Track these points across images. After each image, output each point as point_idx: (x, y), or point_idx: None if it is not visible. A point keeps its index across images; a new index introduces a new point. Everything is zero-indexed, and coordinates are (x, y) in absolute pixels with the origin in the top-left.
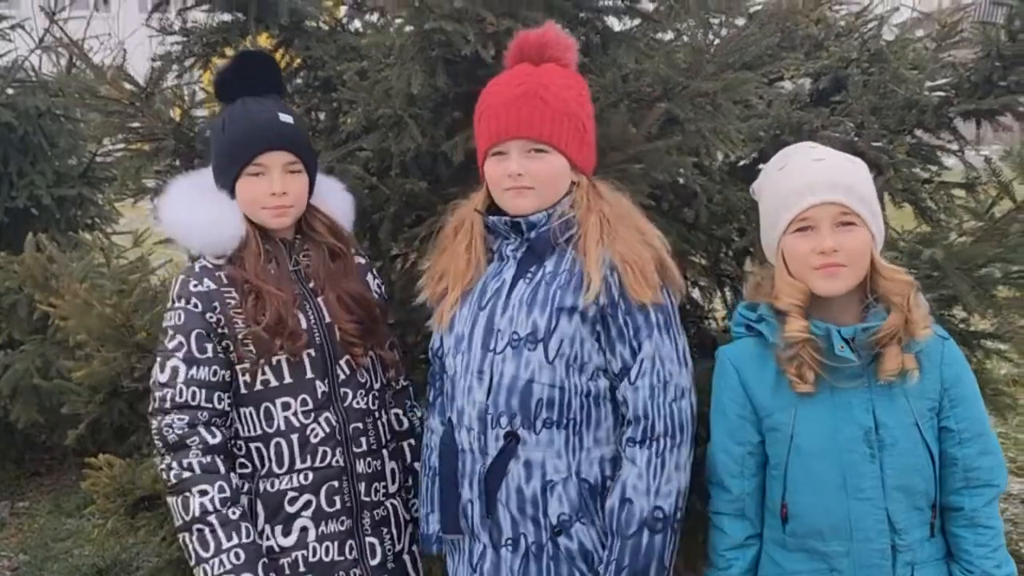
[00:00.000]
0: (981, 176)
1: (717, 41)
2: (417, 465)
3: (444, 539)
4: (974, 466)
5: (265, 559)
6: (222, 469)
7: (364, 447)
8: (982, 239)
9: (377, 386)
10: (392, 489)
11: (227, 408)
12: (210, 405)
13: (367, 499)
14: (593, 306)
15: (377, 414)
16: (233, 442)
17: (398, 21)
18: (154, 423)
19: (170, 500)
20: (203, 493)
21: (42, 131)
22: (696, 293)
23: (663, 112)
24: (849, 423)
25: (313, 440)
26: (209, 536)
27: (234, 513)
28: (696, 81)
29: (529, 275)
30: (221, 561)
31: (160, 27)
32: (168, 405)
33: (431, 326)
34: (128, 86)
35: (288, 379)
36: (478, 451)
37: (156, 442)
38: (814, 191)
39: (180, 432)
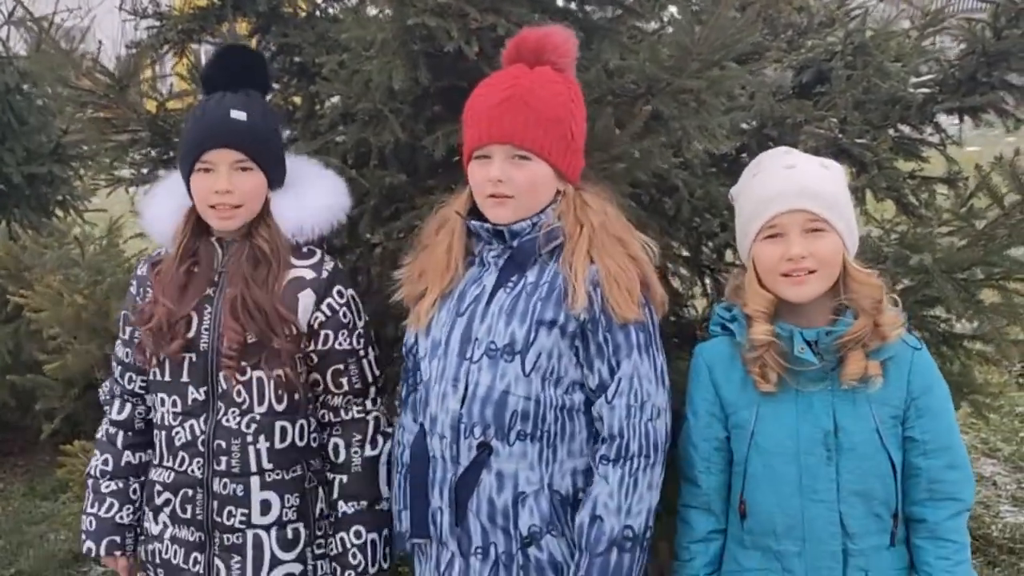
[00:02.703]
0: (962, 171)
1: (700, 30)
2: (343, 504)
3: (412, 543)
4: (939, 479)
5: (116, 538)
6: (118, 444)
7: (224, 467)
8: (969, 244)
9: (260, 410)
10: (260, 520)
11: (138, 389)
12: (122, 383)
13: (218, 519)
14: (573, 321)
15: (250, 438)
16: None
17: (376, 13)
18: None
19: None
20: (95, 456)
21: (11, 108)
22: (676, 283)
23: (648, 112)
24: (809, 425)
25: (176, 443)
26: (86, 495)
27: (106, 487)
28: (681, 79)
29: (510, 284)
30: (84, 520)
31: (133, 10)
32: (110, 369)
33: (406, 324)
34: (102, 77)
35: (167, 377)
36: (449, 459)
37: None
38: (782, 199)
39: (104, 398)
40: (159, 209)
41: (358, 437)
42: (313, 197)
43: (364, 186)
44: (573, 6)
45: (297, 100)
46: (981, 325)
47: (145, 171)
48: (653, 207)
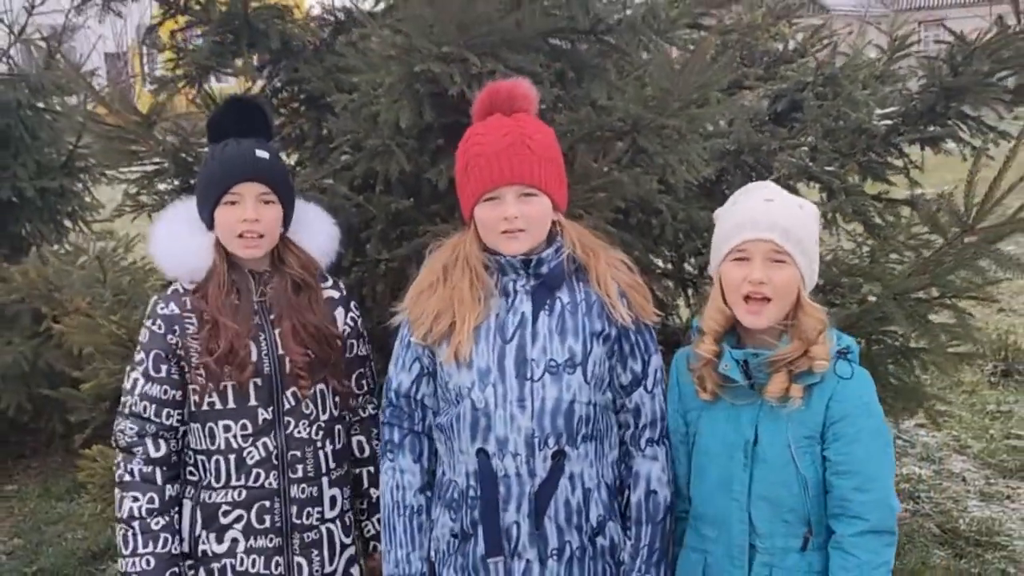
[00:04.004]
0: (926, 194)
1: (680, 72)
2: (374, 491)
3: (476, 565)
4: (847, 498)
5: (176, 569)
6: (158, 480)
7: (300, 473)
8: (916, 272)
9: (324, 417)
10: (330, 514)
11: (175, 424)
12: (158, 420)
13: (298, 521)
14: (614, 328)
15: (320, 444)
16: (185, 452)
17: (384, 55)
18: (116, 423)
19: (115, 492)
20: (135, 499)
21: (23, 124)
22: (660, 294)
23: (626, 149)
24: (735, 433)
25: (249, 462)
26: (131, 537)
27: (156, 524)
28: (663, 117)
29: (547, 307)
30: (135, 562)
31: (151, 43)
32: (126, 411)
33: (429, 365)
34: (131, 116)
35: (232, 404)
36: (526, 474)
37: (112, 440)
38: (754, 227)
39: (130, 439)
40: (183, 243)
41: (375, 431)
42: (318, 227)
43: (371, 212)
44: (565, 46)
45: (305, 127)
46: (931, 342)
47: (168, 199)
48: (639, 228)
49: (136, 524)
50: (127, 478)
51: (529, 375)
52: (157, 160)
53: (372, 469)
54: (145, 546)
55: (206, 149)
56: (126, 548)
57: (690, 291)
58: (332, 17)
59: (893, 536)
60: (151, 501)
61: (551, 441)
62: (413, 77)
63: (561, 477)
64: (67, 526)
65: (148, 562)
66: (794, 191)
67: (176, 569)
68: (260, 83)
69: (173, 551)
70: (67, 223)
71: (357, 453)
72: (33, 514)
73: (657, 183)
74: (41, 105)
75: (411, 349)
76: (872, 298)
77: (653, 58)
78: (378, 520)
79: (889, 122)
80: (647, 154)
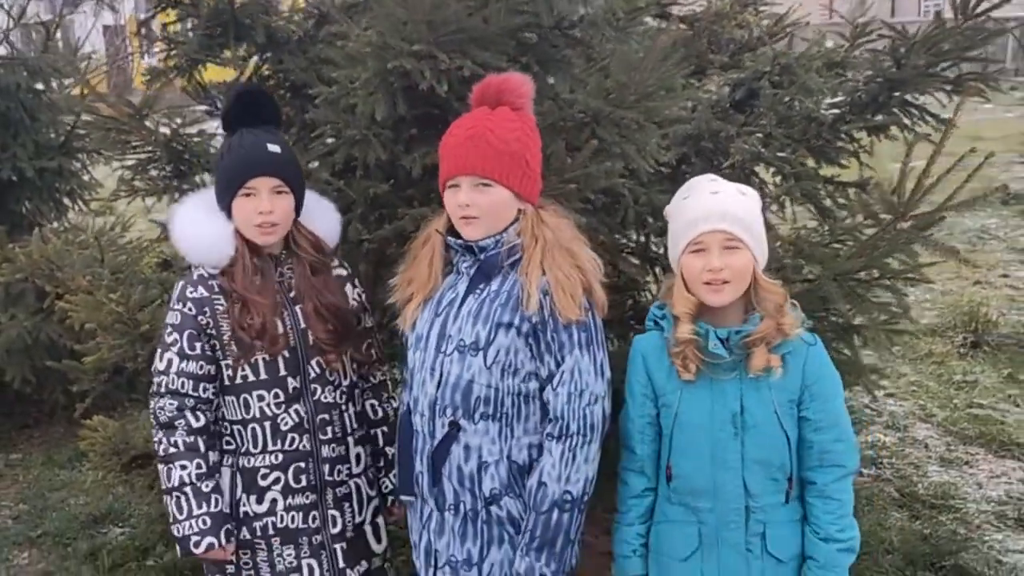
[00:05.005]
0: (875, 178)
1: (637, 66)
2: (389, 449)
3: (402, 499)
4: (828, 449)
5: (229, 525)
6: (202, 448)
7: (329, 435)
8: (854, 255)
9: (346, 383)
10: (356, 470)
11: (211, 397)
12: (196, 394)
13: (330, 479)
14: (527, 322)
15: (344, 407)
16: (220, 423)
17: (361, 50)
18: (151, 403)
19: (159, 467)
20: (183, 467)
21: (23, 105)
22: (633, 272)
23: (595, 145)
24: (721, 407)
25: (283, 428)
26: (184, 503)
27: (207, 487)
28: (621, 110)
29: (478, 291)
30: (191, 524)
31: (145, 34)
32: (163, 390)
33: (398, 324)
34: (125, 108)
35: (264, 375)
36: (427, 433)
37: (151, 419)
38: (707, 220)
39: (170, 414)
40: (207, 232)
41: (385, 395)
42: (322, 213)
43: (351, 195)
44: (534, 38)
45: (291, 114)
46: (868, 319)
47: (161, 185)
48: (605, 211)
49: (188, 489)
50: (172, 450)
51: (444, 349)
52: (150, 149)
53: (386, 429)
54: (200, 507)
55: (196, 139)
56: (180, 513)
57: (657, 269)
58: (316, 10)
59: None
60: (199, 467)
61: (448, 411)
62: (387, 72)
63: (454, 444)
64: (69, 492)
65: (204, 522)
66: (751, 175)
67: (229, 526)
68: (248, 73)
69: (225, 510)
70: (66, 202)
71: (372, 415)
72: (37, 481)
73: (623, 169)
74: (40, 87)
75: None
76: (811, 278)
77: (613, 52)
78: (394, 475)
79: (836, 111)
80: (606, 143)
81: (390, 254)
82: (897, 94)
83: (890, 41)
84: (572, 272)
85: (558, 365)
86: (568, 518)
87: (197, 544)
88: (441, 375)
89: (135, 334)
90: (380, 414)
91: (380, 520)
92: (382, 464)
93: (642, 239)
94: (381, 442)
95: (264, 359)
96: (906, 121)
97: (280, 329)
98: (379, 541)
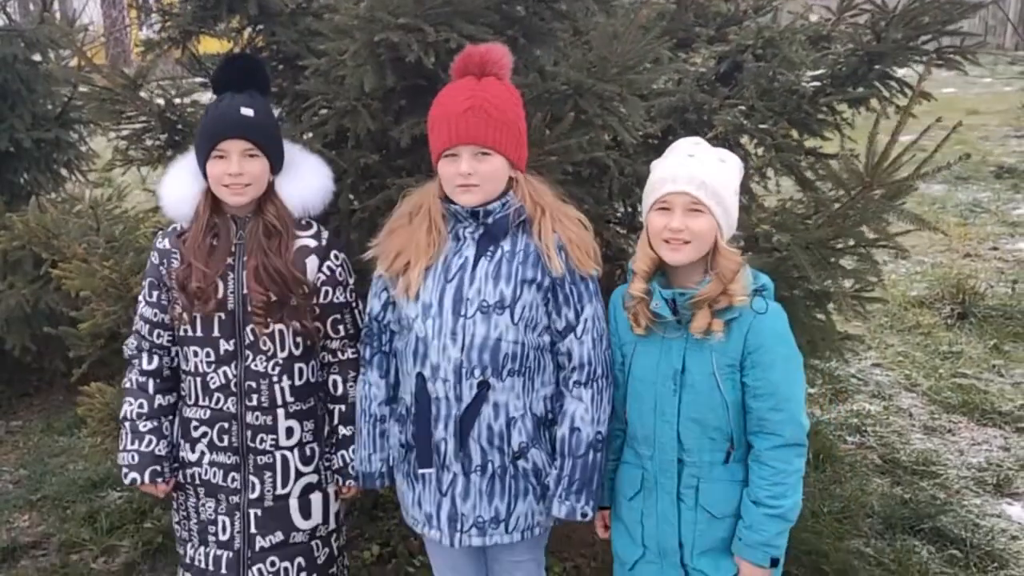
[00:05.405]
0: (855, 150)
1: (618, 40)
2: (342, 428)
3: (416, 473)
4: (764, 417)
5: (157, 467)
6: (150, 390)
7: (255, 402)
8: (823, 225)
9: (283, 355)
10: (285, 443)
11: (166, 343)
12: (151, 338)
13: (252, 445)
14: (547, 278)
15: (275, 378)
16: (180, 370)
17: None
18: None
19: None
20: (129, 404)
21: (20, 77)
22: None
23: (574, 118)
24: (666, 363)
25: (212, 386)
26: (123, 436)
27: (144, 427)
28: (602, 82)
29: (489, 253)
30: (123, 456)
31: (141, 5)
32: (134, 328)
33: (393, 296)
34: (119, 79)
35: (199, 333)
36: (453, 399)
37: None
38: (675, 181)
39: (130, 352)
40: (183, 190)
41: (352, 373)
42: (309, 180)
43: (342, 165)
44: (521, 11)
45: (284, 84)
46: (836, 285)
47: (155, 154)
48: (590, 182)
49: (127, 424)
50: (127, 385)
51: (463, 312)
52: (144, 119)
53: (343, 408)
54: (132, 443)
55: (190, 109)
56: (119, 444)
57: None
58: None
59: (803, 448)
60: (141, 407)
61: (476, 372)
62: (374, 45)
63: (484, 404)
64: (68, 458)
65: (133, 457)
66: (736, 146)
67: (157, 467)
68: (241, 45)
69: (157, 452)
70: (63, 172)
71: (332, 391)
72: (37, 447)
73: (609, 140)
74: (37, 58)
75: (380, 280)
76: (779, 248)
77: (595, 26)
78: (342, 456)
79: (817, 84)
80: (588, 116)
81: (380, 224)
82: (877, 67)
83: (870, 15)
84: (581, 231)
85: (577, 315)
86: (601, 457)
87: (125, 475)
88: (464, 338)
89: (128, 299)
90: (340, 391)
91: (314, 498)
92: (333, 441)
93: (628, 209)
94: (336, 419)
95: (202, 317)
96: (885, 93)
97: (220, 291)
98: (306, 518)
